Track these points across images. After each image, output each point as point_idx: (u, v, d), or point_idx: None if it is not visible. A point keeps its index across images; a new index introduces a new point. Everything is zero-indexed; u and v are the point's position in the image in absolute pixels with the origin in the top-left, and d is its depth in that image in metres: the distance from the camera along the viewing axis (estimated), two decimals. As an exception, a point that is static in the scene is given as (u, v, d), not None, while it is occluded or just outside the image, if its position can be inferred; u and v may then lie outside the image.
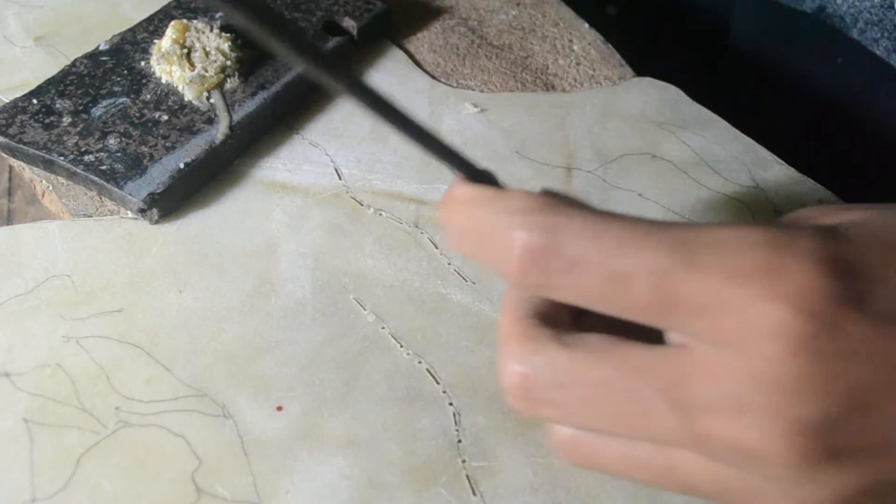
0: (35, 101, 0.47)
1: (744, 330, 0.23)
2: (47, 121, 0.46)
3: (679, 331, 0.25)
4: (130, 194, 0.43)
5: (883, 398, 0.23)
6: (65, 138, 0.45)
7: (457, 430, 0.37)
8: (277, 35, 0.22)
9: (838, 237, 0.25)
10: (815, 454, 0.23)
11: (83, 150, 0.45)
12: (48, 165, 0.45)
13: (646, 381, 0.25)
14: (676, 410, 0.24)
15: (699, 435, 0.24)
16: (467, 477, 0.35)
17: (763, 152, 0.49)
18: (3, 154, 0.46)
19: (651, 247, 0.24)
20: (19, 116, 0.46)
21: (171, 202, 0.44)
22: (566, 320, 0.28)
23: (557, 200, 0.26)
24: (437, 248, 0.44)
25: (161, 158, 0.44)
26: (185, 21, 0.50)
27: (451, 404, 0.38)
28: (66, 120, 0.46)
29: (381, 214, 0.45)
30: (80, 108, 0.47)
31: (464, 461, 0.36)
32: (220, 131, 0.46)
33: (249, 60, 0.50)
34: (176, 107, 0.47)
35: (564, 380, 0.26)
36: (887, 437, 0.24)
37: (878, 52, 0.52)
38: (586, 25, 0.58)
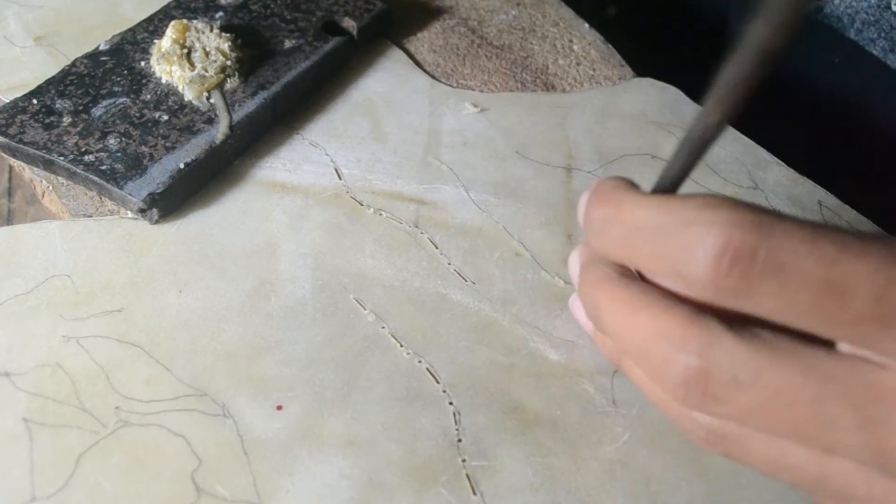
0: (35, 101, 0.47)
1: None
2: (47, 121, 0.46)
3: (892, 349, 0.23)
4: (130, 194, 0.43)
5: None
6: (65, 138, 0.45)
7: (457, 430, 0.37)
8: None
9: None
10: None
11: (83, 150, 0.45)
12: (48, 165, 0.45)
13: (836, 392, 0.23)
14: (866, 427, 0.23)
15: (886, 453, 0.23)
16: (467, 476, 0.35)
17: (763, 153, 0.49)
18: (3, 154, 0.46)
19: (876, 255, 0.22)
20: (19, 116, 0.46)
21: (172, 202, 0.44)
22: (736, 319, 0.25)
23: (756, 205, 0.24)
24: (437, 248, 0.44)
25: (161, 158, 0.44)
26: (185, 21, 0.50)
27: (451, 404, 0.38)
28: (67, 120, 0.46)
29: (381, 214, 0.45)
30: (81, 108, 0.47)
31: (464, 461, 0.36)
32: (220, 131, 0.46)
33: (249, 60, 0.50)
34: (176, 107, 0.47)
35: (747, 378, 0.24)
36: None
37: (874, 52, 0.53)
38: (586, 25, 0.58)
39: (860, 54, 0.53)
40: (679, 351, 0.25)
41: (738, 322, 0.25)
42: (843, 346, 0.24)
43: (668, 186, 0.28)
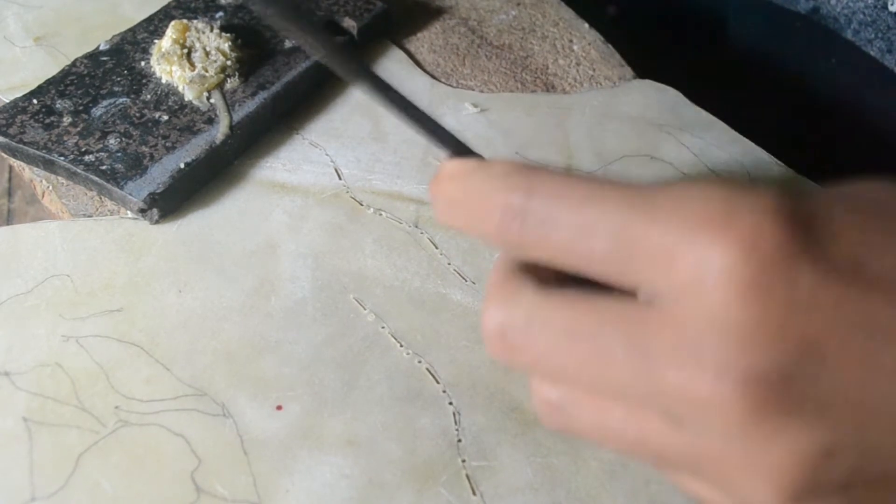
0: (35, 101, 0.47)
1: (696, 277, 0.23)
2: (47, 121, 0.46)
3: (639, 283, 0.25)
4: (131, 194, 0.43)
5: (837, 353, 0.23)
6: (65, 138, 0.45)
7: (457, 430, 0.37)
8: (295, 22, 0.24)
9: (798, 195, 0.24)
10: (768, 405, 0.23)
11: (83, 150, 0.45)
12: (48, 165, 0.45)
13: (610, 330, 0.25)
14: (636, 360, 0.24)
15: (657, 387, 0.24)
16: (467, 476, 0.35)
17: (762, 154, 0.49)
18: (4, 154, 0.46)
19: (614, 200, 0.24)
20: (19, 116, 0.46)
21: (172, 202, 0.44)
22: (551, 278, 0.28)
23: (532, 166, 0.26)
24: (436, 248, 0.44)
25: (161, 158, 0.44)
26: (185, 21, 0.50)
27: (450, 404, 0.38)
28: (67, 120, 0.46)
29: (381, 214, 0.45)
30: (81, 108, 0.47)
31: (464, 461, 0.36)
32: (220, 131, 0.46)
33: (249, 60, 0.50)
34: (176, 107, 0.47)
35: (536, 323, 0.26)
36: (843, 395, 0.23)
37: (871, 53, 0.53)
38: (586, 25, 0.58)
39: (857, 55, 0.53)
40: (489, 308, 0.27)
41: (553, 278, 0.27)
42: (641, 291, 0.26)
43: (450, 149, 0.30)
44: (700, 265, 0.23)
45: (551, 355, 0.26)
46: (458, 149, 0.29)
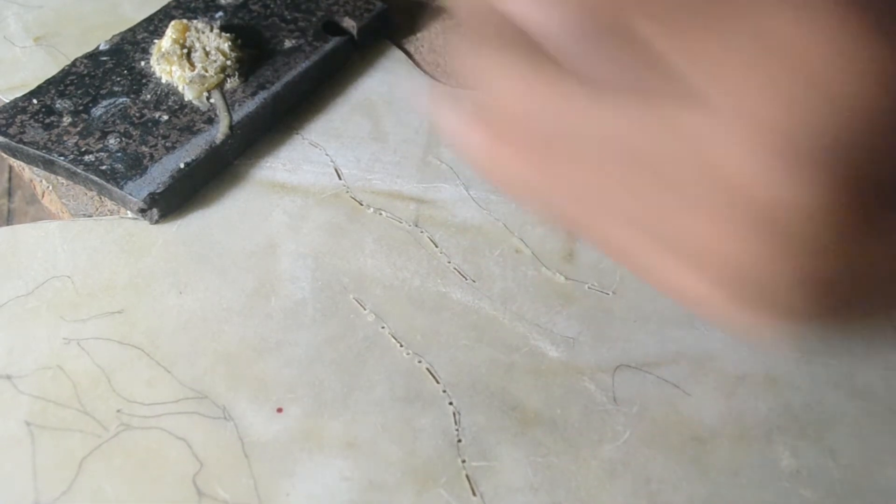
0: (35, 101, 0.47)
1: None
2: (47, 121, 0.46)
3: None
4: (131, 194, 0.43)
5: None
6: (65, 138, 0.45)
7: (457, 430, 0.37)
8: None
9: None
10: None
11: (83, 149, 0.45)
12: (48, 165, 0.45)
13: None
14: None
15: None
16: (467, 477, 0.35)
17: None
18: (4, 154, 0.46)
19: None
20: (19, 116, 0.46)
21: (172, 202, 0.44)
22: None
23: None
24: (436, 247, 0.44)
25: (161, 158, 0.44)
26: (185, 21, 0.50)
27: (451, 404, 0.38)
28: (67, 120, 0.46)
29: (380, 214, 0.45)
30: (81, 108, 0.47)
31: (464, 461, 0.36)
32: (220, 131, 0.46)
33: (249, 60, 0.50)
34: (176, 107, 0.47)
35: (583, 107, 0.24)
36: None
37: None
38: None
39: None
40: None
41: None
42: None
43: None
44: None
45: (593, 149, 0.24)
46: None
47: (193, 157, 0.45)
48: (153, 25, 0.52)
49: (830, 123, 0.21)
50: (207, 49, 0.49)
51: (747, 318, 0.24)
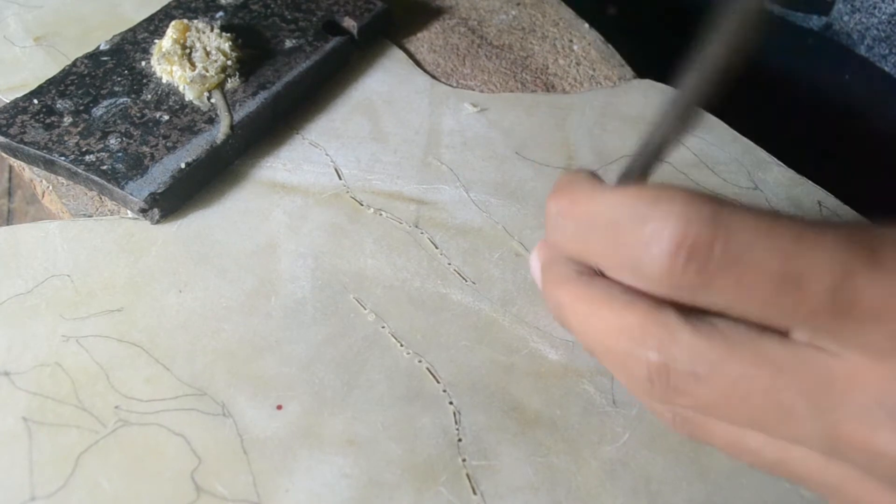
0: (36, 101, 0.47)
1: None
2: (48, 121, 0.46)
3: (846, 339, 0.23)
4: (132, 194, 0.43)
5: None
6: (66, 138, 0.45)
7: (457, 429, 0.37)
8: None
9: None
10: None
11: (84, 150, 0.45)
12: (49, 165, 0.45)
13: (790, 382, 0.23)
14: (819, 415, 0.23)
15: (839, 440, 0.23)
16: (467, 476, 0.35)
17: (762, 154, 0.49)
18: (4, 154, 0.46)
19: (831, 245, 0.22)
20: (20, 116, 0.46)
21: (172, 202, 0.44)
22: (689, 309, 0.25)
23: (712, 195, 0.23)
24: (437, 247, 0.44)
25: (162, 158, 0.44)
26: (185, 21, 0.50)
27: (451, 403, 0.38)
28: (67, 120, 0.46)
29: (381, 214, 0.45)
30: (81, 108, 0.47)
31: (464, 460, 0.36)
32: (220, 131, 0.46)
33: (250, 60, 0.50)
34: (177, 107, 0.47)
35: (704, 371, 0.24)
36: None
37: (885, 69, 0.52)
38: (586, 25, 0.58)
39: (871, 70, 0.53)
40: (639, 346, 0.25)
41: (697, 313, 0.25)
42: (797, 335, 0.24)
43: (634, 177, 0.27)
44: None
45: (720, 403, 0.24)
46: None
47: (194, 157, 0.45)
48: (154, 25, 0.52)
49: None
50: (208, 49, 0.49)
51: None
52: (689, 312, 0.24)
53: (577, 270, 0.28)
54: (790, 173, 0.48)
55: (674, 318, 0.24)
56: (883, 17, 0.51)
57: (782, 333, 0.24)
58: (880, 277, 0.22)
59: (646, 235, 0.23)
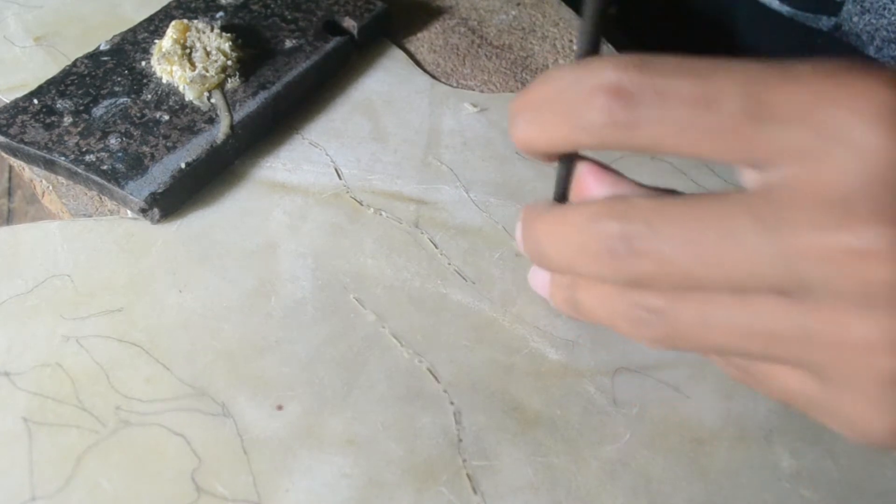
0: (36, 101, 0.47)
1: (844, 132, 0.22)
2: (48, 121, 0.46)
3: (766, 155, 0.24)
4: (132, 194, 0.43)
5: None
6: (66, 138, 0.45)
7: (457, 430, 0.37)
8: None
9: None
10: None
11: (84, 150, 0.45)
12: (49, 165, 0.45)
13: (738, 216, 0.24)
14: (770, 235, 0.24)
15: (796, 254, 0.23)
16: (468, 476, 0.35)
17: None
18: (4, 154, 0.46)
19: (741, 68, 0.24)
20: (20, 116, 0.46)
21: (173, 202, 0.44)
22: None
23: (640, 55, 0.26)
24: (437, 247, 0.44)
25: (162, 158, 0.44)
26: (185, 21, 0.50)
27: (451, 403, 0.38)
28: (67, 120, 0.46)
29: (381, 214, 0.45)
30: (81, 108, 0.47)
31: (464, 460, 0.36)
32: (221, 131, 0.46)
33: (250, 60, 0.50)
34: (177, 107, 0.47)
35: (661, 224, 0.25)
36: None
37: None
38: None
39: None
40: (600, 222, 0.27)
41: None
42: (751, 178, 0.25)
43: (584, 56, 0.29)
44: (847, 121, 0.22)
45: (680, 256, 0.25)
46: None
47: (194, 157, 0.45)
48: (154, 25, 0.53)
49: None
50: (208, 49, 0.49)
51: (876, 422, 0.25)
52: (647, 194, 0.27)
53: (549, 204, 0.31)
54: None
55: (630, 192, 0.27)
56: (893, 18, 0.51)
57: None
58: (791, 83, 0.23)
59: (587, 93, 0.26)
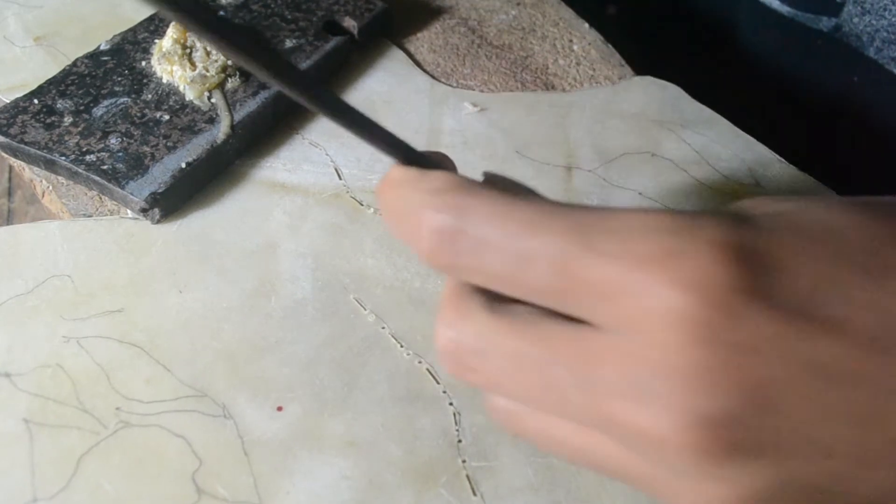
0: (36, 101, 0.47)
1: (643, 316, 0.23)
2: (48, 121, 0.46)
3: (581, 314, 0.24)
4: (132, 194, 0.43)
5: (786, 395, 0.22)
6: (66, 138, 0.45)
7: (457, 430, 0.37)
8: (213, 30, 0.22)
9: (746, 224, 0.24)
10: (714, 448, 0.23)
11: (84, 149, 0.45)
12: (49, 165, 0.45)
13: (557, 358, 0.24)
14: (583, 390, 0.24)
15: (605, 417, 0.24)
16: (467, 477, 0.35)
17: (764, 150, 0.49)
18: (4, 154, 0.46)
19: (553, 230, 0.24)
20: (20, 116, 0.46)
21: (173, 202, 0.44)
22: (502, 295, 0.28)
23: (471, 182, 0.26)
24: (437, 247, 0.44)
25: (162, 158, 0.44)
26: (185, 21, 0.50)
27: (451, 404, 0.38)
28: (68, 120, 0.46)
29: (380, 214, 0.45)
30: (82, 107, 0.47)
31: (464, 461, 0.36)
32: (221, 131, 0.46)
33: (250, 60, 0.50)
34: (177, 106, 0.47)
35: (486, 347, 0.26)
36: (792, 436, 0.23)
37: (895, 71, 0.52)
38: (586, 25, 0.58)
39: (880, 72, 0.53)
40: (441, 325, 0.27)
41: (506, 300, 0.27)
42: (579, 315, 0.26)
43: (401, 156, 0.28)
44: (648, 304, 0.23)
45: (501, 379, 0.26)
46: (409, 156, 0.28)
47: (195, 157, 0.45)
48: (154, 25, 0.52)
49: (682, 361, 0.23)
50: (208, 49, 0.49)
51: None
52: (498, 298, 0.26)
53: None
54: (792, 170, 0.48)
55: (477, 301, 0.27)
56: (893, 19, 0.50)
57: (571, 318, 0.25)
58: (596, 261, 0.23)
59: (413, 225, 0.26)
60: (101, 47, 0.51)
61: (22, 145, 0.45)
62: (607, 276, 0.23)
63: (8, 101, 0.48)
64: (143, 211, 0.43)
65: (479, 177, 0.47)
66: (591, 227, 0.24)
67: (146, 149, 0.45)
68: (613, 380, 0.24)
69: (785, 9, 0.56)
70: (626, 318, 0.23)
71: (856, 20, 0.53)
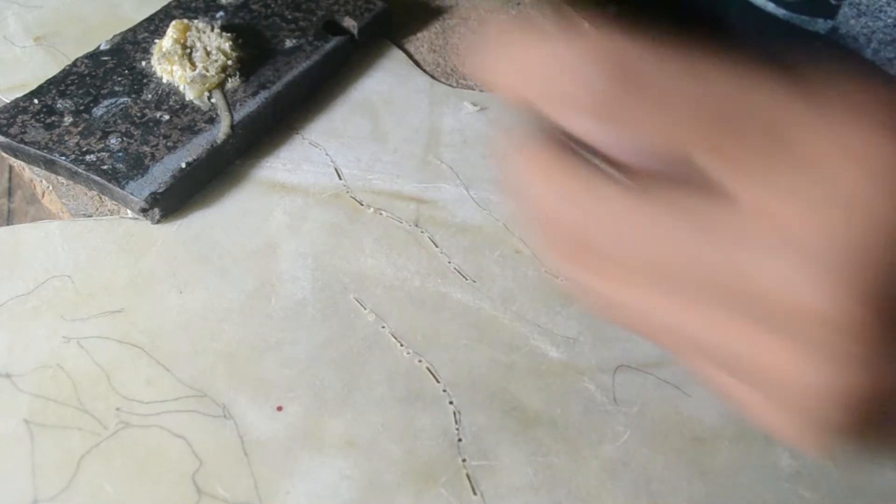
0: (36, 100, 0.47)
1: (847, 179, 0.22)
2: (48, 121, 0.46)
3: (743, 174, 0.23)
4: (132, 194, 0.43)
5: None
6: (66, 138, 0.45)
7: (457, 430, 0.37)
8: None
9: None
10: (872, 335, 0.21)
11: (84, 149, 0.45)
12: (49, 165, 0.45)
13: (702, 234, 0.23)
14: (735, 270, 0.23)
15: (750, 294, 0.22)
16: (468, 476, 0.35)
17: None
18: (4, 154, 0.46)
19: (725, 76, 0.25)
20: (20, 116, 0.46)
21: (173, 202, 0.44)
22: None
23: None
24: (437, 247, 0.44)
25: (163, 158, 0.44)
26: (185, 21, 0.50)
27: (451, 403, 0.38)
28: (68, 120, 0.46)
29: (380, 214, 0.45)
30: (82, 107, 0.47)
31: (464, 460, 0.36)
32: (221, 131, 0.46)
33: (250, 60, 0.50)
34: (177, 106, 0.47)
35: (621, 225, 0.24)
36: None
37: (891, 72, 0.52)
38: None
39: (877, 74, 0.53)
40: (553, 202, 0.26)
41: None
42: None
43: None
44: (850, 174, 0.22)
45: (636, 262, 0.24)
46: None
47: (195, 157, 0.45)
48: (154, 25, 0.52)
49: (860, 239, 0.21)
50: (208, 49, 0.49)
51: (794, 430, 0.24)
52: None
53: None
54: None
55: (595, 177, 0.25)
56: (889, 20, 0.50)
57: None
58: (809, 122, 0.24)
59: (582, 78, 0.25)
60: (101, 47, 0.51)
61: (22, 145, 0.45)
62: (813, 137, 0.23)
63: (8, 101, 0.48)
64: (143, 211, 0.43)
65: (478, 176, 0.47)
66: (791, 95, 0.25)
67: (146, 149, 0.45)
68: (766, 251, 0.22)
69: (780, 11, 0.56)
70: (818, 186, 0.22)
71: (852, 22, 0.53)
